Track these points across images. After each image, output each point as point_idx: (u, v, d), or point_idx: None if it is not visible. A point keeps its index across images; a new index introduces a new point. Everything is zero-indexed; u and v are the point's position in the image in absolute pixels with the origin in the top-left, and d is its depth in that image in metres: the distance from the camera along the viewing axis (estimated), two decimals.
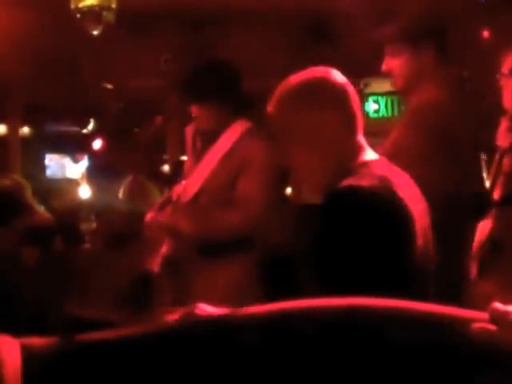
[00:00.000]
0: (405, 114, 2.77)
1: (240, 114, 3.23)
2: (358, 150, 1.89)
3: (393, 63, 2.76)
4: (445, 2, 3.03)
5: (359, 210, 1.71)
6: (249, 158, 3.10)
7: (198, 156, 3.25)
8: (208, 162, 3.18)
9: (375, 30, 2.89)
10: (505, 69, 2.84)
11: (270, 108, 1.94)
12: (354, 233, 1.69)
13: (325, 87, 1.89)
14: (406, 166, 2.39)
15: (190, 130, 3.39)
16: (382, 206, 1.72)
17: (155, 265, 3.29)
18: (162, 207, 3.22)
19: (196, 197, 3.17)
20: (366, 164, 1.85)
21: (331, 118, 1.87)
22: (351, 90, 1.91)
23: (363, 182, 1.74)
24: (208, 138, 3.23)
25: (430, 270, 1.84)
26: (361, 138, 1.91)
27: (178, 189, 3.25)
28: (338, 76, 1.92)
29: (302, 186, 2.11)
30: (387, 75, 2.93)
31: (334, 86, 1.89)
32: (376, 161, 1.89)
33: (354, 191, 1.72)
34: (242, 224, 3.06)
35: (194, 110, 3.20)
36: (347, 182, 1.75)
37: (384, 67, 2.77)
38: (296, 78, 1.93)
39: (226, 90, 3.16)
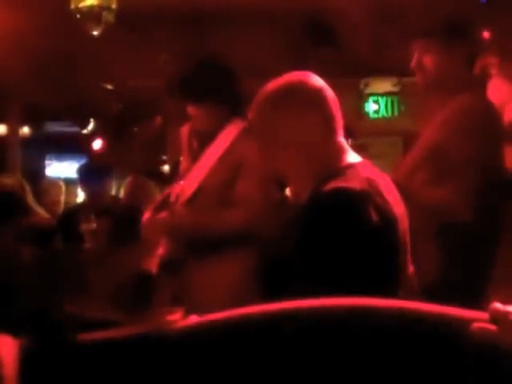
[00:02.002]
0: (440, 116, 2.74)
1: (236, 114, 3.22)
2: (340, 151, 1.90)
3: (423, 59, 2.74)
4: (446, 3, 3.03)
5: (349, 211, 1.72)
6: (245, 158, 3.09)
7: (194, 156, 3.25)
8: (205, 162, 3.18)
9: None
10: None
11: (250, 114, 1.96)
12: (343, 233, 1.69)
13: (301, 91, 1.90)
14: (451, 169, 2.41)
15: (185, 130, 3.38)
16: (372, 208, 1.73)
17: (154, 265, 3.28)
18: (158, 208, 3.22)
19: (194, 197, 3.16)
20: (352, 166, 1.85)
21: (309, 121, 1.88)
22: (329, 93, 1.92)
23: (352, 183, 1.74)
24: (204, 138, 3.22)
25: (405, 274, 1.85)
26: (342, 140, 1.92)
27: (175, 189, 3.24)
28: (315, 80, 1.93)
29: (291, 188, 2.12)
30: (388, 75, 2.94)
31: (311, 89, 1.90)
32: (361, 163, 1.89)
33: (344, 192, 1.72)
34: (242, 224, 3.05)
35: (191, 110, 3.19)
36: (335, 183, 1.75)
37: (413, 63, 2.75)
38: (273, 84, 1.94)
39: (221, 90, 3.16)
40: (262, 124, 1.95)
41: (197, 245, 3.07)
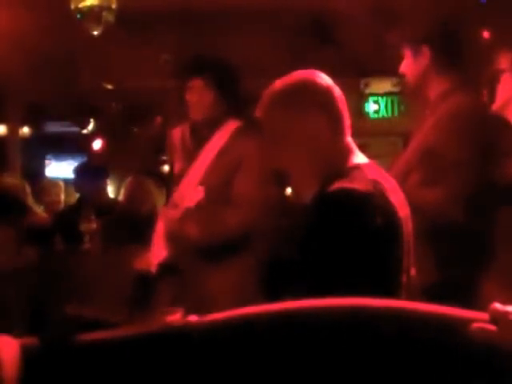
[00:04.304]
0: (433, 118, 2.74)
1: (233, 115, 3.23)
2: (347, 152, 1.89)
3: (404, 65, 2.78)
4: (445, 3, 3.03)
5: (353, 212, 1.71)
6: (243, 155, 3.09)
7: (190, 157, 3.23)
8: (202, 161, 3.17)
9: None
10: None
11: (257, 113, 1.96)
12: (347, 234, 1.69)
13: (308, 90, 1.90)
14: (442, 171, 2.40)
15: (176, 132, 3.39)
16: (376, 210, 1.72)
17: (153, 266, 3.28)
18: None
19: (201, 200, 3.15)
20: (358, 167, 1.85)
21: (315, 120, 1.87)
22: (337, 92, 1.91)
23: (357, 184, 1.74)
24: (199, 138, 3.22)
25: (407, 275, 1.84)
26: (349, 141, 1.91)
27: (177, 191, 3.22)
28: (322, 79, 1.92)
29: (293, 188, 2.11)
30: (388, 75, 2.96)
31: (318, 88, 1.89)
32: (367, 164, 1.89)
33: (349, 193, 1.72)
34: (241, 222, 3.05)
35: (194, 87, 3.19)
36: (340, 184, 1.75)
37: (401, 68, 2.80)
38: (280, 82, 1.94)
39: (229, 84, 3.19)
40: (268, 122, 1.95)
41: (200, 248, 3.06)
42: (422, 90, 2.77)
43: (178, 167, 3.33)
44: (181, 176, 3.24)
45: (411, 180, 2.62)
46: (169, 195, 3.45)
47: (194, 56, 3.34)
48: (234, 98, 3.22)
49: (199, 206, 3.12)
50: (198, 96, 3.18)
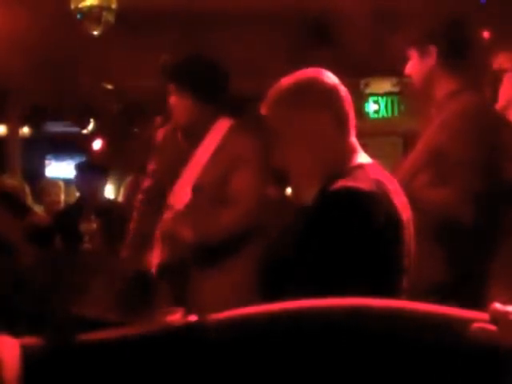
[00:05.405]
0: (439, 118, 2.74)
1: (223, 113, 3.20)
2: (351, 151, 1.89)
3: (409, 66, 2.78)
4: (445, 3, 3.03)
5: (355, 211, 1.71)
6: (239, 153, 3.08)
7: (183, 156, 3.22)
8: (197, 161, 3.16)
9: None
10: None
11: (263, 110, 1.95)
12: (348, 233, 1.69)
13: (315, 88, 1.89)
14: (449, 171, 2.41)
15: (162, 132, 3.39)
16: (379, 209, 1.72)
17: (154, 268, 3.27)
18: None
19: (192, 199, 3.14)
20: (361, 167, 1.85)
21: (322, 119, 1.87)
22: (343, 90, 1.91)
23: (360, 184, 1.74)
24: (191, 138, 3.20)
25: (407, 276, 1.84)
26: (354, 140, 1.91)
27: (173, 191, 3.21)
28: (328, 77, 1.91)
29: (293, 187, 2.11)
30: (388, 75, 2.95)
31: (325, 87, 1.89)
32: (370, 164, 1.88)
33: (352, 192, 1.72)
34: (236, 220, 3.04)
35: (172, 98, 3.19)
36: (343, 182, 1.75)
37: (407, 69, 2.80)
38: (287, 80, 1.93)
39: (208, 86, 3.15)
40: (272, 120, 1.94)
41: (198, 249, 3.06)
42: (428, 90, 2.77)
43: (171, 167, 3.30)
44: (174, 176, 3.22)
45: (418, 180, 2.61)
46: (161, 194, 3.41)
47: (172, 61, 3.32)
48: (217, 99, 3.19)
49: (188, 208, 3.12)
50: (176, 100, 3.19)
